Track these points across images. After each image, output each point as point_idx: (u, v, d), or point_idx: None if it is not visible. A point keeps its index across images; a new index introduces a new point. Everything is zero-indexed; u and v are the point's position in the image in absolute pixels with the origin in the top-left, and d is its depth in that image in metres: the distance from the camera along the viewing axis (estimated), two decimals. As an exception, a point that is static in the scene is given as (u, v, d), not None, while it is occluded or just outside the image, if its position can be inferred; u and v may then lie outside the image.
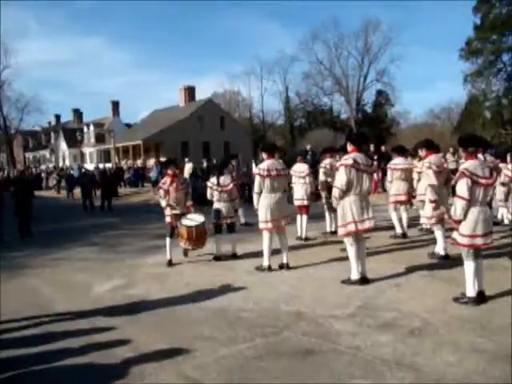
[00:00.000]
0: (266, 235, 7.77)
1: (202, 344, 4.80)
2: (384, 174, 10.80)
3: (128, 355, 4.64)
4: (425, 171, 8.25)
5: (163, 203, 8.85)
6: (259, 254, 8.35)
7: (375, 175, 14.68)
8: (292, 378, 4.01)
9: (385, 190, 11.10)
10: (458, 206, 5.60)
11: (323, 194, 10.69)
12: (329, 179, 10.13)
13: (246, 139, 48.86)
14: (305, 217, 10.42)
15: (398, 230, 10.05)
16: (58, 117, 71.13)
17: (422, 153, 8.78)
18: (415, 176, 9.74)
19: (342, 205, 6.66)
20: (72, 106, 68.75)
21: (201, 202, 12.05)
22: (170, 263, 8.67)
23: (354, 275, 6.66)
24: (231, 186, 8.95)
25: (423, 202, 8.38)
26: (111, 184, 22.91)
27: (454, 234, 5.81)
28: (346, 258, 7.03)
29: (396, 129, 61.90)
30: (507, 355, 4.20)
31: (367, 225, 6.64)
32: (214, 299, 6.36)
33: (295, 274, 7.43)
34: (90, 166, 39.85)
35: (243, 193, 13.34)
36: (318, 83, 59.85)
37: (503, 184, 10.13)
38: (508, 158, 10.16)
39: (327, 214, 10.85)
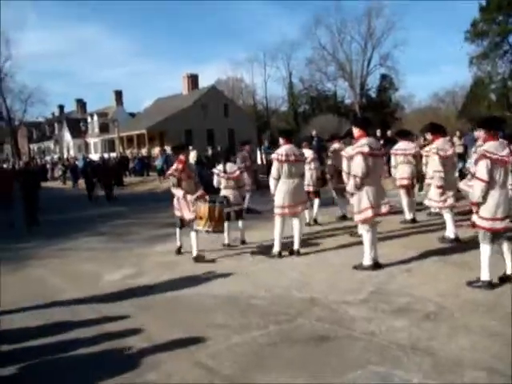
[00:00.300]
0: (278, 221, 7.73)
1: (214, 332, 4.77)
2: (388, 159, 10.69)
3: (141, 344, 4.61)
4: (431, 156, 8.16)
5: (179, 193, 8.07)
6: (268, 241, 8.34)
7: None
8: (307, 364, 3.98)
9: (390, 175, 10.99)
10: (477, 188, 5.50)
11: (331, 179, 10.64)
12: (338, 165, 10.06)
13: (250, 126, 48.70)
14: (316, 201, 10.46)
15: (407, 216, 9.99)
16: (61, 107, 70.95)
17: (428, 136, 8.67)
18: (424, 160, 9.65)
19: (361, 191, 6.55)
20: (75, 96, 68.73)
21: (207, 189, 12.01)
22: (180, 251, 8.44)
23: (367, 261, 6.60)
24: (238, 172, 8.92)
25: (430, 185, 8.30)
26: (113, 173, 22.90)
27: (474, 217, 5.74)
28: (356, 244, 7.00)
29: (400, 113, 61.56)
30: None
31: (384, 209, 6.59)
32: (224, 286, 6.33)
33: (305, 260, 7.38)
34: (94, 156, 39.79)
35: (255, 179, 13.28)
36: (321, 69, 59.38)
37: None
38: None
39: (337, 199, 10.81)
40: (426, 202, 8.51)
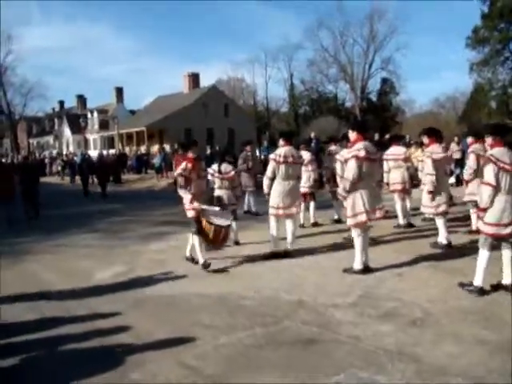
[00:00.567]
0: (273, 221, 7.77)
1: (202, 332, 4.79)
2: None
3: (129, 342, 4.64)
4: (425, 160, 8.19)
5: (187, 195, 7.34)
6: (261, 242, 8.36)
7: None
8: (291, 367, 4.00)
9: (382, 180, 11.02)
10: (484, 193, 5.54)
11: (328, 182, 10.68)
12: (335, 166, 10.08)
13: (250, 126, 48.70)
14: (312, 203, 10.52)
15: (401, 221, 10.02)
16: (61, 103, 70.92)
17: (425, 140, 8.70)
18: (419, 166, 9.69)
19: (353, 195, 6.57)
20: (76, 92, 68.68)
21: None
22: (207, 266, 7.19)
23: (358, 265, 6.62)
24: (233, 173, 8.93)
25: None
26: (109, 170, 22.97)
27: (479, 223, 5.76)
28: (349, 247, 7.01)
29: (401, 117, 61.58)
30: (508, 347, 4.17)
31: (378, 214, 6.60)
32: (215, 286, 6.35)
33: (297, 262, 7.40)
34: (93, 152, 39.80)
35: (256, 180, 13.23)
36: (322, 70, 59.45)
37: None
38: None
39: (333, 202, 10.85)
40: (422, 209, 8.53)
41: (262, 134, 51.23)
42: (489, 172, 5.50)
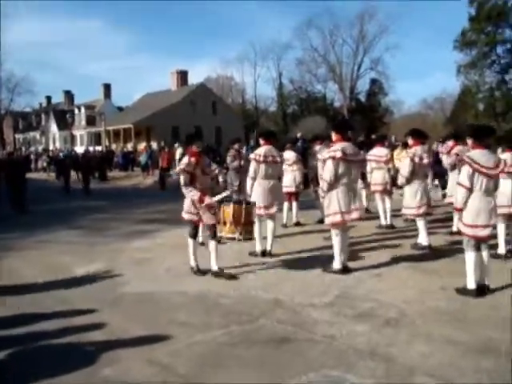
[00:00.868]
0: (256, 221, 7.79)
1: (177, 330, 4.78)
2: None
3: (103, 339, 4.62)
4: (403, 160, 8.27)
5: (194, 194, 6.52)
6: (244, 240, 8.36)
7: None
8: (264, 365, 4.00)
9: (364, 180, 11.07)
10: (459, 194, 5.66)
11: (312, 182, 10.73)
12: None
13: (238, 125, 48.73)
14: (294, 203, 10.56)
15: (383, 222, 10.07)
16: (49, 98, 70.43)
17: (409, 141, 8.75)
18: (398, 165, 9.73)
19: (329, 195, 6.61)
20: (63, 87, 68.21)
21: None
22: (199, 271, 6.82)
23: (337, 265, 6.65)
24: (217, 171, 8.93)
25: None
26: (92, 166, 22.92)
27: (458, 223, 5.84)
28: (330, 247, 7.02)
29: (389, 118, 61.85)
30: (480, 348, 4.22)
31: (354, 215, 6.60)
32: (194, 285, 6.34)
33: (277, 262, 7.41)
34: (80, 148, 39.57)
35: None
36: (311, 70, 59.68)
37: None
38: (498, 151, 10.13)
39: (316, 202, 10.89)
40: (403, 210, 8.57)
41: (250, 132, 51.23)
42: (463, 173, 5.59)
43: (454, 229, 8.45)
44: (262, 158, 7.68)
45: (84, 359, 4.18)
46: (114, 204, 16.38)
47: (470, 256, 5.63)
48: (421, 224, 8.07)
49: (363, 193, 11.94)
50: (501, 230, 7.13)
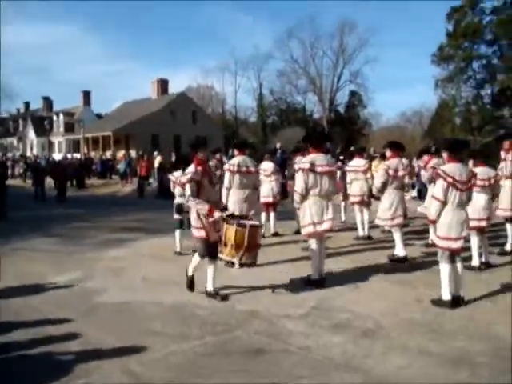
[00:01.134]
0: None
1: (152, 340, 4.75)
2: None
3: (79, 349, 4.57)
4: (379, 171, 8.37)
5: (203, 207, 5.82)
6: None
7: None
8: (239, 376, 3.99)
9: (346, 192, 11.16)
10: (432, 207, 5.78)
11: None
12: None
13: (217, 134, 48.57)
14: (272, 214, 10.56)
15: (360, 233, 10.14)
16: (27, 104, 69.59)
17: (387, 153, 8.84)
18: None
19: (303, 206, 6.68)
20: (42, 93, 67.55)
21: (167, 195, 12.02)
22: (218, 294, 6.08)
23: (313, 275, 6.67)
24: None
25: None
26: (68, 174, 22.75)
27: (432, 235, 5.92)
28: (307, 258, 7.04)
29: (368, 130, 62.35)
30: (456, 359, 4.26)
31: (325, 226, 6.63)
32: (170, 295, 6.30)
33: (254, 272, 7.38)
34: (58, 155, 39.16)
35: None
36: (291, 81, 60.06)
37: None
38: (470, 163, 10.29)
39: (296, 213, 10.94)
40: (376, 221, 8.64)
41: (231, 142, 51.25)
42: (438, 187, 5.71)
43: (430, 241, 8.55)
44: (235, 168, 7.72)
45: (59, 370, 4.12)
46: (91, 212, 16.21)
47: (444, 268, 5.72)
48: (397, 236, 8.15)
49: (342, 204, 12.06)
50: (474, 242, 7.27)
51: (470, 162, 7.60)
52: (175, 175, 8.88)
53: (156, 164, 24.73)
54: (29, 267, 8.08)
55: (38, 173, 21.70)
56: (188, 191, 5.95)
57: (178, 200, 8.74)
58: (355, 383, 3.85)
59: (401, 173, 8.17)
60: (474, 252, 7.37)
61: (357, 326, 5.13)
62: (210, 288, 6.09)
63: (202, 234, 5.93)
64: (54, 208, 17.77)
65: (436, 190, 5.74)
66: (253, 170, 7.96)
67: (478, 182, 6.78)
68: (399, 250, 8.10)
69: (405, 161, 8.58)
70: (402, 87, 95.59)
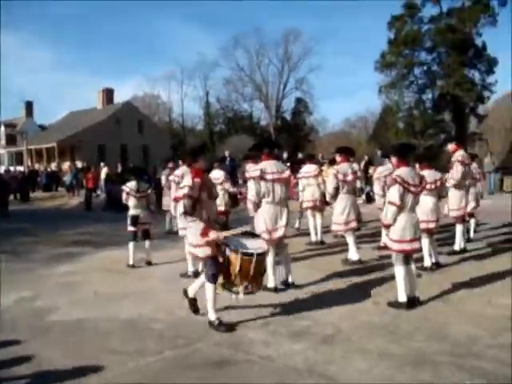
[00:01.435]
0: (187, 241, 7.67)
1: (109, 358, 4.58)
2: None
3: (31, 372, 4.36)
4: (329, 176, 8.49)
5: (198, 226, 5.29)
6: (175, 262, 8.22)
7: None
8: (202, 390, 3.91)
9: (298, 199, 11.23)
10: (388, 212, 5.79)
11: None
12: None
13: (165, 143, 48.17)
14: None
15: (313, 238, 10.21)
16: (-35, 116, 67.17)
17: (337, 158, 8.94)
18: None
19: (257, 214, 6.68)
20: (-19, 104, 65.31)
21: (115, 207, 11.77)
22: (222, 324, 5.27)
23: (270, 283, 6.63)
24: (149, 191, 8.89)
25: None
26: (9, 187, 22.07)
27: (385, 239, 5.97)
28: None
29: (314, 136, 63.09)
30: (415, 360, 4.31)
31: (278, 233, 6.64)
32: (124, 310, 6.13)
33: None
34: (0, 168, 37.85)
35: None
36: (238, 89, 60.21)
37: None
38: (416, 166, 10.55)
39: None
40: (332, 227, 8.72)
41: (177, 150, 50.87)
42: (394, 192, 5.75)
43: (382, 244, 8.68)
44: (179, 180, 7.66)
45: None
46: (37, 226, 15.65)
47: (399, 270, 5.81)
48: (350, 239, 8.25)
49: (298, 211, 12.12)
50: (424, 244, 7.42)
51: (416, 166, 7.78)
52: (129, 186, 8.72)
53: (103, 175, 24.27)
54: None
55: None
56: (181, 208, 5.48)
57: (132, 212, 8.60)
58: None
59: (350, 177, 8.28)
60: (425, 253, 7.54)
61: (316, 332, 5.12)
62: (212, 317, 5.31)
63: (208, 252, 5.27)
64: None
65: (392, 194, 5.78)
66: None
67: (428, 186, 6.93)
68: (352, 254, 8.20)
69: (355, 165, 8.72)
70: (347, 93, 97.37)
